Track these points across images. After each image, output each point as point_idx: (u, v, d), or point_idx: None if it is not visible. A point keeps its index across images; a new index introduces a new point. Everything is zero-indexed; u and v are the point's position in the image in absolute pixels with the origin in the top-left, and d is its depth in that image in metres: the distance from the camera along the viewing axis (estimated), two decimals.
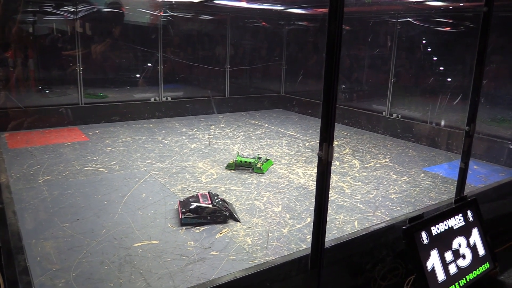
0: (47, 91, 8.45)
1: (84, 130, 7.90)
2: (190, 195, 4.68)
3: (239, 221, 4.25)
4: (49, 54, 8.49)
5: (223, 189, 5.14)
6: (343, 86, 9.92)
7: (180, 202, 4.46)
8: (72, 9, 8.18)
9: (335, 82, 2.12)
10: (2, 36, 7.90)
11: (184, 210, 4.23)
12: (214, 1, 8.87)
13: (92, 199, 4.71)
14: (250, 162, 5.87)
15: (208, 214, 4.19)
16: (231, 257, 3.55)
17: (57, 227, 3.98)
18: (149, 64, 9.43)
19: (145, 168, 5.82)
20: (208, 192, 4.67)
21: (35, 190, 4.88)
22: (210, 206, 4.26)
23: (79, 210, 4.39)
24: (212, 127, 8.73)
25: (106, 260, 3.44)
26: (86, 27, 8.71)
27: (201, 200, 4.40)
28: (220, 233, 3.98)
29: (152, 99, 9.38)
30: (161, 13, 9.20)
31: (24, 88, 8.27)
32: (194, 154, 6.62)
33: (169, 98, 9.57)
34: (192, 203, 4.29)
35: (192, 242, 3.78)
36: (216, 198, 4.50)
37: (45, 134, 7.52)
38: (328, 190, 2.23)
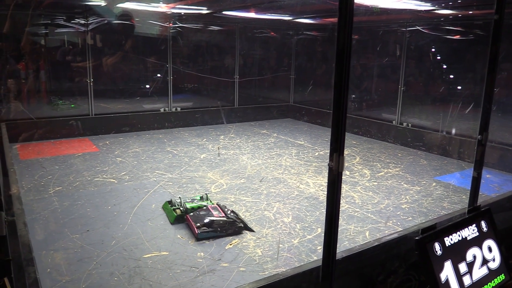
0: (59, 102, 8.54)
1: (94, 141, 7.95)
2: (199, 208, 4.60)
3: (253, 231, 4.22)
4: (60, 66, 8.59)
5: (232, 199, 5.12)
6: (353, 96, 9.90)
7: (189, 216, 4.36)
8: (83, 22, 8.29)
9: (345, 92, 2.11)
10: (15, 48, 8.02)
11: (198, 224, 4.15)
12: (223, 12, 8.93)
13: (102, 209, 4.72)
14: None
15: (223, 226, 4.17)
16: (241, 269, 3.52)
17: (67, 238, 3.99)
18: (158, 75, 9.50)
19: (155, 179, 5.82)
20: (217, 204, 4.66)
21: (45, 201, 4.90)
22: (224, 218, 4.25)
23: (89, 221, 4.40)
24: (222, 137, 8.74)
25: (116, 271, 3.43)
26: (97, 39, 8.82)
27: (212, 212, 4.37)
28: (230, 244, 3.95)
29: (162, 110, 9.43)
30: (171, 24, 9.28)
31: (35, 100, 8.37)
32: (203, 164, 6.62)
33: (179, 109, 9.61)
34: (205, 217, 4.26)
35: (202, 253, 3.76)
36: (226, 209, 4.48)
37: (56, 145, 7.59)
38: (339, 201, 2.21)
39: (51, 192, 5.21)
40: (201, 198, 4.91)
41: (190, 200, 4.83)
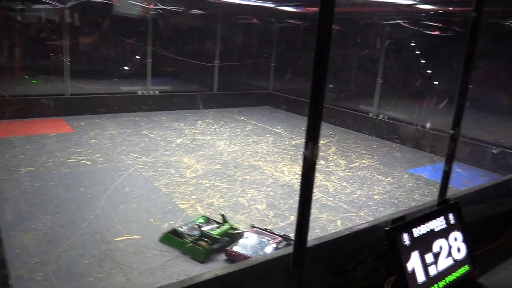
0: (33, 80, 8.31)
1: (69, 122, 7.79)
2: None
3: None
4: (36, 43, 8.35)
5: (207, 185, 5.11)
6: (331, 85, 9.95)
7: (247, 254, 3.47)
8: None
9: (323, 81, 2.10)
10: None
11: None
12: None
13: (74, 191, 4.65)
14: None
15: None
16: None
17: (38, 219, 3.92)
18: (137, 57, 9.33)
19: (130, 162, 5.76)
20: (255, 227, 3.89)
21: (16, 181, 4.79)
22: (282, 241, 3.66)
23: (61, 202, 4.33)
24: (199, 122, 8.69)
25: (86, 254, 3.40)
26: (75, 18, 8.58)
27: (266, 240, 3.66)
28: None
29: (140, 92, 9.29)
30: (152, 6, 9.10)
31: (9, 77, 8.13)
32: (179, 149, 6.58)
33: (157, 92, 9.49)
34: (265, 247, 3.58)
35: None
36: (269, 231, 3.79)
37: (29, 124, 7.41)
38: (312, 189, 2.21)
39: (22, 172, 5.10)
40: (208, 220, 3.97)
41: (196, 225, 3.82)
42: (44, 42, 8.36)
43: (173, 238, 3.60)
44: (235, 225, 3.92)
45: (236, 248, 3.49)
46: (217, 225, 3.84)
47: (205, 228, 3.71)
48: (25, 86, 8.22)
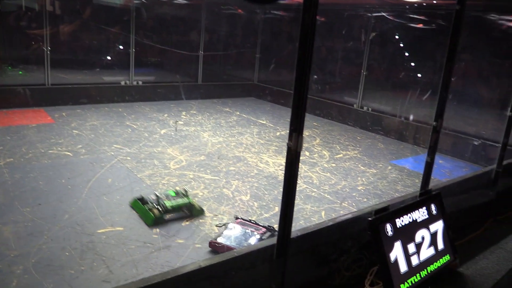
0: (8, 68, 8.11)
1: (50, 112, 7.65)
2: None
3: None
4: (16, 32, 8.15)
5: (191, 176, 5.08)
6: (315, 76, 9.95)
7: (228, 244, 3.54)
8: None
9: (307, 72, 2.09)
10: None
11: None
12: None
13: (55, 183, 4.57)
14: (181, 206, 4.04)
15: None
16: (197, 245, 3.52)
17: (17, 211, 3.85)
18: (120, 47, 9.19)
19: (112, 153, 5.69)
20: (239, 218, 3.98)
21: None
22: (268, 233, 3.76)
23: (41, 194, 4.26)
24: (183, 113, 8.62)
25: (67, 246, 3.35)
26: (56, 6, 8.39)
27: (249, 231, 3.75)
28: (186, 221, 3.94)
29: (123, 83, 9.16)
30: None
31: None
32: (163, 140, 6.52)
33: (140, 82, 9.38)
34: (248, 239, 3.67)
35: (157, 230, 3.73)
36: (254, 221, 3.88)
37: (8, 115, 7.25)
38: (296, 180, 2.21)
39: (1, 163, 4.99)
40: (177, 193, 4.18)
41: (164, 196, 4.09)
42: (24, 31, 8.17)
43: (137, 203, 4.04)
44: (194, 202, 4.15)
45: (220, 240, 3.54)
46: (181, 198, 4.12)
47: (170, 200, 4.01)
48: (4, 76, 8.03)
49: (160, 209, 3.87)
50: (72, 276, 2.99)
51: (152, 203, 3.97)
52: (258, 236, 3.61)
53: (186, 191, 4.22)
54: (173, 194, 4.18)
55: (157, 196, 4.02)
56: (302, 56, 2.00)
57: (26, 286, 2.87)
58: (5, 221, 3.65)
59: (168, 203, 3.93)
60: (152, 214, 3.80)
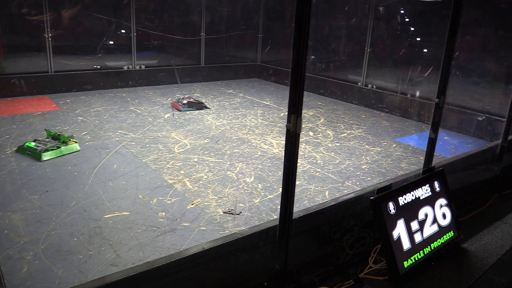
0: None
1: (54, 99, 7.67)
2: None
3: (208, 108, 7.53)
4: (16, 18, 8.11)
5: (196, 159, 5.11)
6: (313, 57, 9.83)
7: (173, 102, 7.52)
8: None
9: (304, 53, 2.08)
10: None
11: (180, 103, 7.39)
12: None
13: (62, 170, 4.62)
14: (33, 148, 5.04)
15: (193, 103, 7.52)
16: (202, 228, 3.56)
17: (25, 199, 3.90)
18: (122, 31, 9.14)
19: (117, 139, 5.72)
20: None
21: (2, 161, 4.74)
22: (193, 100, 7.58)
23: (48, 181, 4.31)
24: (187, 96, 8.59)
25: (75, 232, 3.41)
26: None
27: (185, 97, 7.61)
28: (192, 204, 3.97)
29: (125, 67, 9.14)
30: None
31: None
32: (167, 124, 6.53)
33: (143, 67, 9.35)
34: (183, 100, 7.56)
35: (163, 213, 3.77)
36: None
37: (13, 103, 7.28)
38: (297, 162, 2.23)
39: (8, 152, 5.04)
40: (53, 137, 5.35)
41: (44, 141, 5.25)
42: (24, 18, 8.13)
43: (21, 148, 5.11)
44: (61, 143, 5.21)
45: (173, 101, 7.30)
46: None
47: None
48: (7, 64, 8.03)
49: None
50: (81, 261, 3.05)
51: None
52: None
53: (59, 135, 5.38)
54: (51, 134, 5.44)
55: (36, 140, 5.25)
56: (298, 37, 1.98)
57: (37, 271, 2.93)
58: (14, 209, 3.71)
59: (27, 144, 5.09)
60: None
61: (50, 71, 8.20)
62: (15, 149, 5.11)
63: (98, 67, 8.84)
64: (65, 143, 5.22)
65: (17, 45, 8.28)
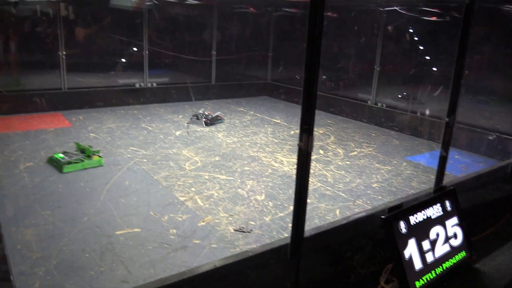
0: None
1: (67, 116, 7.79)
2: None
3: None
4: (31, 37, 8.31)
5: (207, 177, 5.13)
6: (324, 77, 9.90)
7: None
8: None
9: (315, 73, 2.12)
10: None
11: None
12: None
13: (74, 186, 4.67)
14: (58, 159, 5.24)
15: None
16: (213, 245, 3.57)
17: (38, 214, 3.95)
18: (134, 49, 9.30)
19: (129, 155, 5.78)
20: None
21: (15, 177, 4.81)
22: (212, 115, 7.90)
23: (61, 197, 4.36)
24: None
25: (87, 248, 3.43)
26: (70, 10, 8.54)
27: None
28: (203, 221, 3.99)
29: (137, 85, 9.27)
30: None
31: (4, 72, 8.10)
32: (178, 141, 6.59)
33: (154, 84, 9.48)
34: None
35: (174, 230, 3.78)
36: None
37: (27, 120, 7.41)
38: (308, 180, 2.25)
39: (22, 168, 5.12)
40: (82, 151, 5.55)
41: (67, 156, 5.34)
42: (39, 36, 8.31)
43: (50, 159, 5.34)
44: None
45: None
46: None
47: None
48: (21, 81, 8.18)
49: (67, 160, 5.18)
50: (92, 277, 3.07)
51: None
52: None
53: (91, 149, 5.56)
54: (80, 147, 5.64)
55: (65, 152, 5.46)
56: (310, 57, 2.02)
57: (49, 287, 2.95)
58: (26, 224, 3.75)
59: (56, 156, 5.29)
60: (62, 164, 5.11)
61: (64, 88, 8.35)
62: (30, 163, 5.19)
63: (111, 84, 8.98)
64: (89, 157, 5.39)
65: (32, 62, 8.46)
